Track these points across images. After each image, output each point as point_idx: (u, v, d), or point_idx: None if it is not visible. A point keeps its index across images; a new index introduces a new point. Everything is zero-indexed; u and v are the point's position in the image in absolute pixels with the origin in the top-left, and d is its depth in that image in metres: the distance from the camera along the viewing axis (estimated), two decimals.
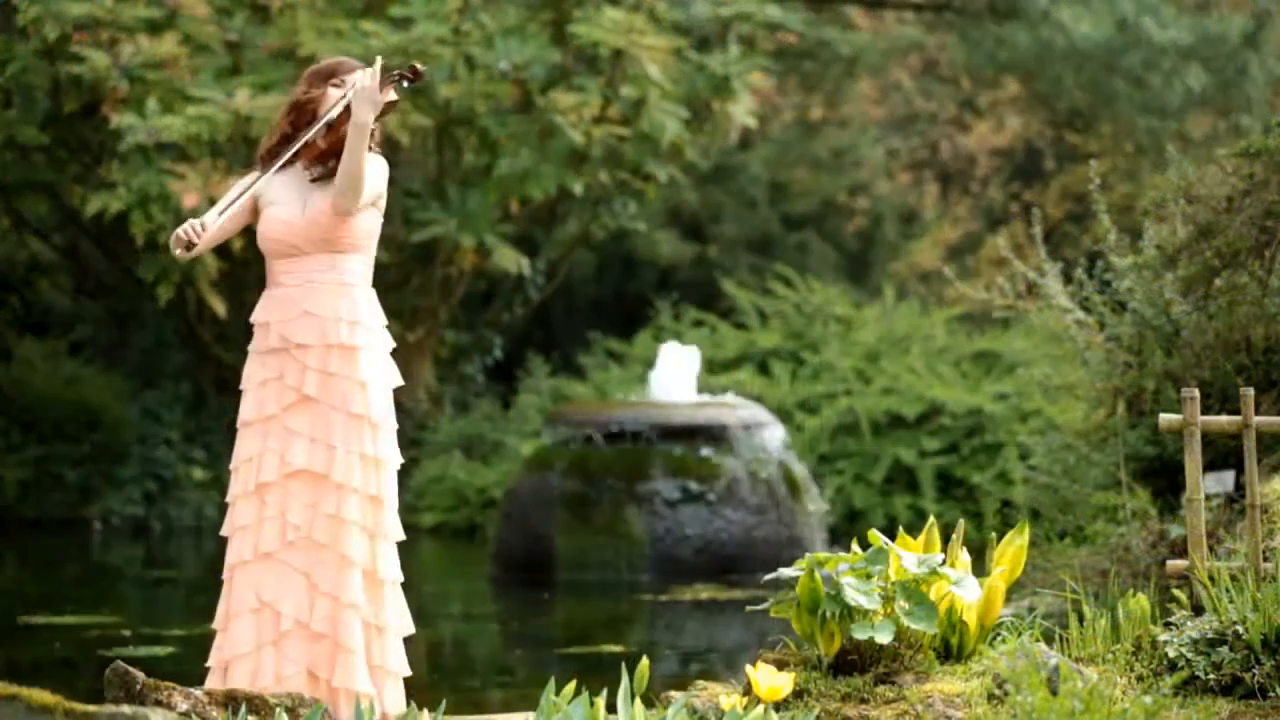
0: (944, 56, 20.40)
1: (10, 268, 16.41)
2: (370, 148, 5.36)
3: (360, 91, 5.25)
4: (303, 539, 5.28)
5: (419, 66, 5.37)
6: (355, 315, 5.37)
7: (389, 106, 5.36)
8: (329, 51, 12.88)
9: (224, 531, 5.43)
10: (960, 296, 16.07)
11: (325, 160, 5.39)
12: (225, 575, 5.39)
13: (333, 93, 5.42)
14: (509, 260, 14.32)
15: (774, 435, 11.91)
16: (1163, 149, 12.89)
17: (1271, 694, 5.02)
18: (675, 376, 12.38)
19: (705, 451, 11.51)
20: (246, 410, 5.38)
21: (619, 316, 19.23)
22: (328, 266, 5.37)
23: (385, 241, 14.87)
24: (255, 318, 5.41)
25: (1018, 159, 21.28)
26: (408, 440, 15.46)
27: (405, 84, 5.36)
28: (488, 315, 16.81)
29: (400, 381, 5.49)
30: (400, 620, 5.43)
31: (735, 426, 11.70)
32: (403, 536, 5.47)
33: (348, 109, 5.33)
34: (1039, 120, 20.43)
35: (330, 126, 5.36)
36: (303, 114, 5.45)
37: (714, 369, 15.16)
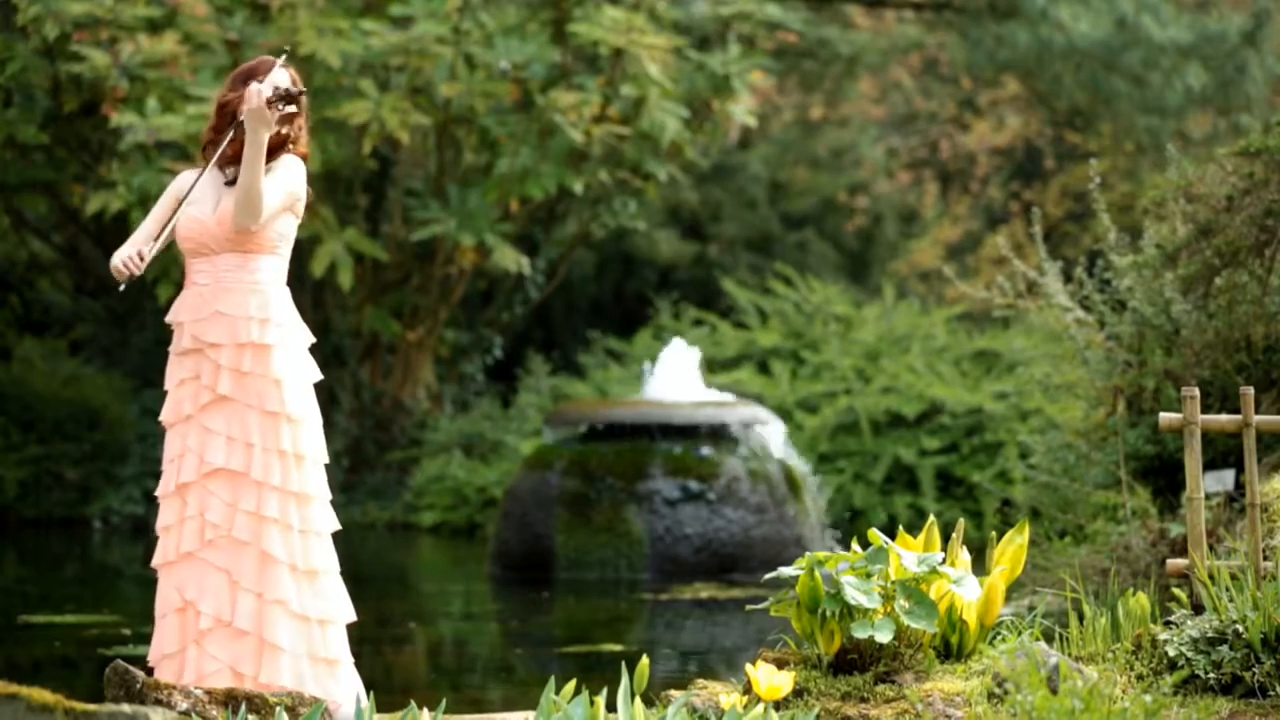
0: (944, 56, 20.41)
1: (10, 267, 16.41)
2: (289, 149, 5.43)
3: (251, 111, 5.26)
4: (222, 537, 5.32)
5: (294, 89, 5.35)
6: (266, 313, 5.41)
7: (286, 119, 5.38)
8: (329, 51, 12.88)
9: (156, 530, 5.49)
10: (960, 296, 16.08)
11: (238, 163, 5.41)
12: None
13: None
14: (509, 259, 14.31)
15: (774, 434, 11.91)
16: (1163, 148, 12.88)
17: (1271, 693, 5.02)
18: (676, 375, 12.38)
19: (705, 451, 11.51)
20: (165, 412, 5.48)
21: (619, 316, 19.24)
22: (238, 266, 5.41)
23: (385, 241, 14.91)
24: (170, 318, 5.48)
25: (1018, 158, 21.29)
26: (408, 439, 15.49)
27: (282, 106, 5.35)
28: (488, 314, 16.81)
29: (319, 376, 5.53)
30: (342, 610, 5.44)
31: (735, 425, 11.70)
32: (336, 527, 5.49)
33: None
34: (1039, 119, 20.44)
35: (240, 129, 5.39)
36: (223, 116, 5.49)
37: (714, 369, 15.16)
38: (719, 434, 11.67)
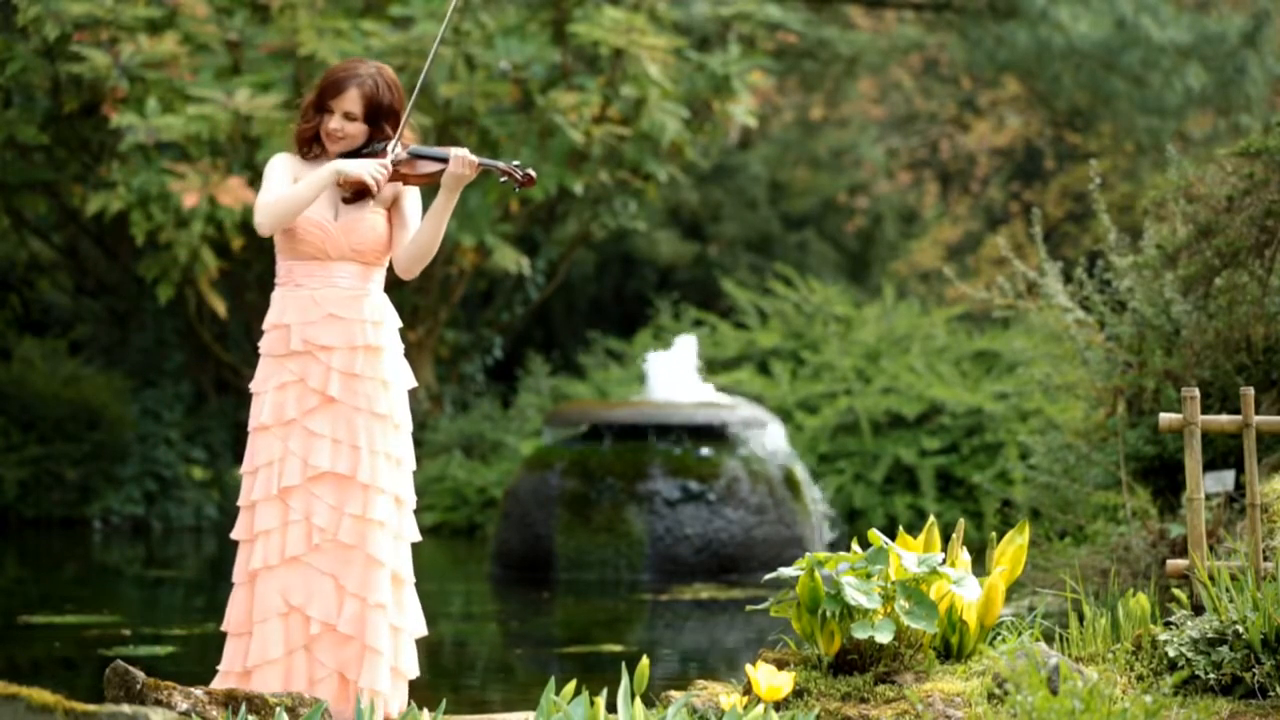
0: (944, 56, 20.41)
1: (10, 267, 16.41)
2: (409, 180, 5.40)
3: (462, 178, 5.29)
4: (328, 541, 5.26)
5: (533, 174, 5.36)
6: (379, 316, 5.39)
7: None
8: (329, 51, 12.88)
9: (237, 535, 5.36)
10: (960, 296, 16.08)
11: (357, 186, 5.37)
12: (239, 579, 5.33)
13: (329, 126, 5.37)
14: (509, 260, 14.32)
15: (774, 435, 11.91)
16: (1163, 148, 12.88)
17: (1271, 693, 5.02)
18: (675, 373, 12.39)
19: (705, 451, 11.51)
20: (263, 414, 5.33)
21: (619, 316, 19.25)
22: (356, 275, 5.37)
23: None
24: (273, 320, 5.36)
25: (1018, 158, 21.29)
26: None
27: (516, 189, 5.44)
28: (488, 315, 16.81)
29: (414, 383, 5.50)
30: (415, 622, 5.43)
31: (735, 426, 11.70)
32: (418, 538, 5.49)
33: (410, 165, 5.35)
34: (1039, 120, 20.45)
35: (390, 166, 5.36)
36: (300, 141, 5.45)
37: (714, 369, 15.16)
38: (719, 434, 11.67)
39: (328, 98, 5.37)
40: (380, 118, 5.39)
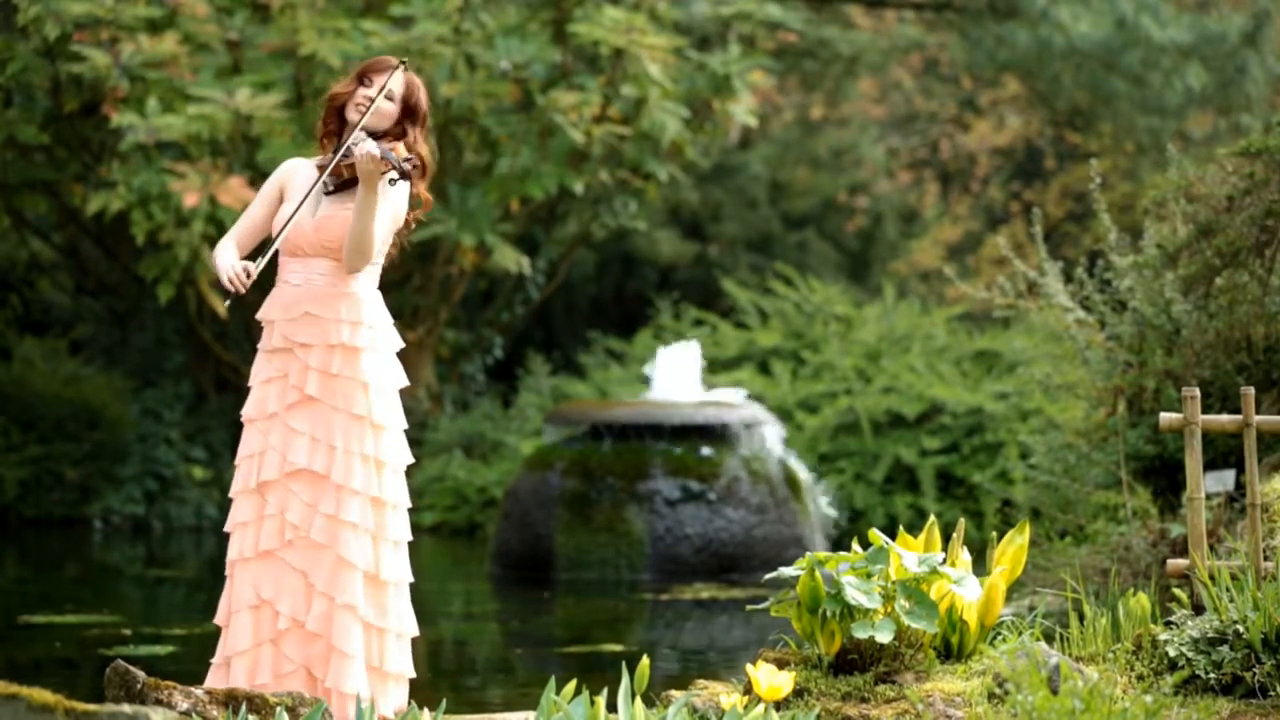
0: (944, 56, 20.41)
1: (10, 267, 16.41)
2: (346, 174, 5.41)
3: (365, 173, 5.25)
4: (301, 538, 5.29)
5: (409, 168, 5.29)
6: (357, 316, 5.40)
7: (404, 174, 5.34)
8: (329, 51, 12.88)
9: (227, 528, 5.43)
10: (960, 296, 16.08)
11: (340, 175, 5.42)
12: (228, 571, 5.40)
13: (360, 92, 5.43)
14: (509, 259, 14.32)
15: (774, 435, 11.91)
16: (1163, 148, 12.88)
17: (1271, 693, 5.02)
18: (677, 375, 12.39)
19: (705, 451, 11.51)
20: (249, 407, 5.41)
21: (619, 316, 19.24)
22: (332, 271, 5.41)
23: None
24: (261, 315, 5.46)
25: (1018, 158, 21.29)
26: (409, 440, 15.47)
27: (392, 183, 5.36)
28: (488, 314, 16.81)
29: (405, 382, 5.51)
30: (402, 623, 5.42)
31: (735, 426, 11.70)
32: (409, 538, 5.49)
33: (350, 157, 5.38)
34: (1039, 119, 20.44)
35: (347, 154, 5.39)
36: (329, 109, 5.52)
37: (714, 369, 15.16)
38: (719, 434, 11.66)
39: (372, 71, 5.47)
40: (405, 115, 5.46)
